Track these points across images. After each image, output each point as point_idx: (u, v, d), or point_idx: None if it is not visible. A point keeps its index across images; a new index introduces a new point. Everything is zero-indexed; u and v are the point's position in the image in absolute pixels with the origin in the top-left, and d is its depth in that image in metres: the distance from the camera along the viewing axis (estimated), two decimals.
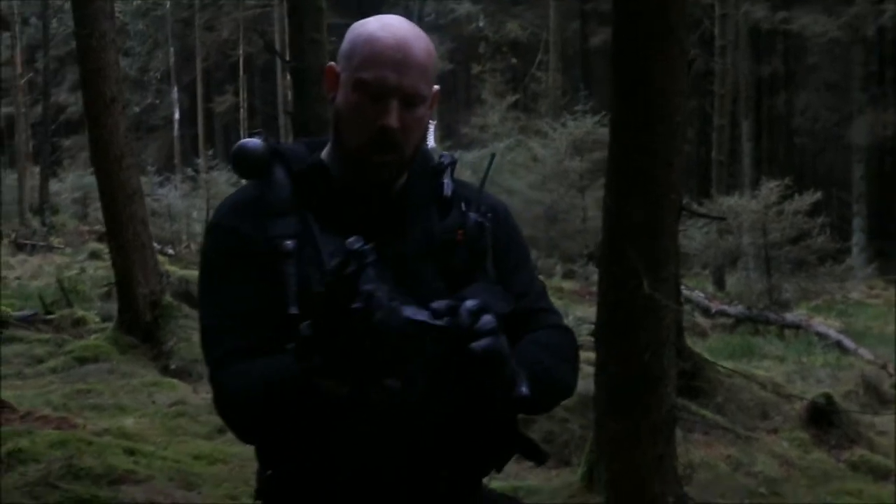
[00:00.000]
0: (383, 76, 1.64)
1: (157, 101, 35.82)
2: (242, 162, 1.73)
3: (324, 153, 1.76)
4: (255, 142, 1.75)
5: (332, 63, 1.74)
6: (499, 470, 1.77)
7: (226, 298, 1.65)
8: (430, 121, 1.79)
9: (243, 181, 1.75)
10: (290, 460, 1.66)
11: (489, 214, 1.71)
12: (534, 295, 1.80)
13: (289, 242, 1.63)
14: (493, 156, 2.08)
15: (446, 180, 1.74)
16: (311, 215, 1.68)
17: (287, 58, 12.51)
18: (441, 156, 1.80)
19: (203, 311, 1.71)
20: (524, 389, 1.57)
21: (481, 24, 33.06)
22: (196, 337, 8.52)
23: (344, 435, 1.60)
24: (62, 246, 19.10)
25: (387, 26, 1.68)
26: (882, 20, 26.58)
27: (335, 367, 1.40)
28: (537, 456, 1.75)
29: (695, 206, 12.39)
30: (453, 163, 1.79)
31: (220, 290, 1.67)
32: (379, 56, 1.65)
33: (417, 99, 1.67)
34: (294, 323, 1.46)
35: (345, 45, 1.71)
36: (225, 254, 1.67)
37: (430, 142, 1.82)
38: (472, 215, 1.68)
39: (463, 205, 1.72)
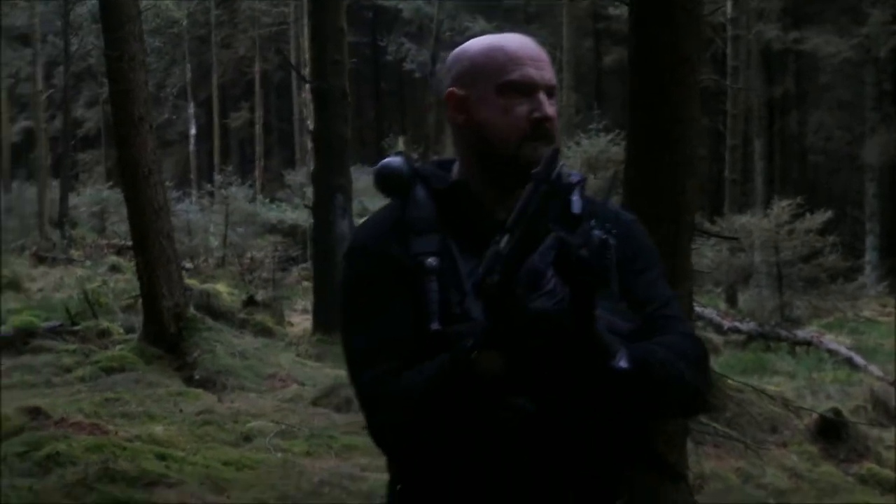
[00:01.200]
0: (528, 73, 1.74)
1: (174, 117, 36.14)
2: (386, 180, 1.76)
3: (455, 173, 1.80)
4: (397, 160, 1.78)
5: (452, 89, 1.78)
6: (628, 493, 1.74)
7: (377, 322, 1.66)
8: None
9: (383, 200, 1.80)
10: (426, 473, 1.67)
11: (613, 231, 1.58)
12: (660, 302, 1.76)
13: (431, 259, 1.66)
14: (614, 172, 2.30)
15: (575, 197, 1.63)
16: (450, 234, 1.70)
17: (307, 77, 12.82)
18: (570, 174, 1.70)
19: (352, 336, 1.71)
20: (623, 363, 1.50)
21: None
22: (220, 349, 8.83)
23: (483, 445, 1.60)
24: (82, 259, 19.37)
25: (499, 36, 1.82)
26: (894, 40, 26.71)
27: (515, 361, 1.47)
28: (670, 473, 1.82)
29: (707, 226, 12.56)
30: (582, 181, 1.69)
31: (370, 314, 1.68)
32: (518, 57, 1.75)
33: (554, 90, 1.78)
34: (435, 339, 1.57)
35: (463, 66, 1.79)
36: (373, 276, 1.69)
37: None
38: (597, 232, 1.56)
39: (591, 222, 1.60)
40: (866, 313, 18.01)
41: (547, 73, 1.76)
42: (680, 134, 4.58)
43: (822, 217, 15.09)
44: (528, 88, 1.74)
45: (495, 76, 1.74)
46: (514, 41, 1.78)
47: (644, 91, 4.70)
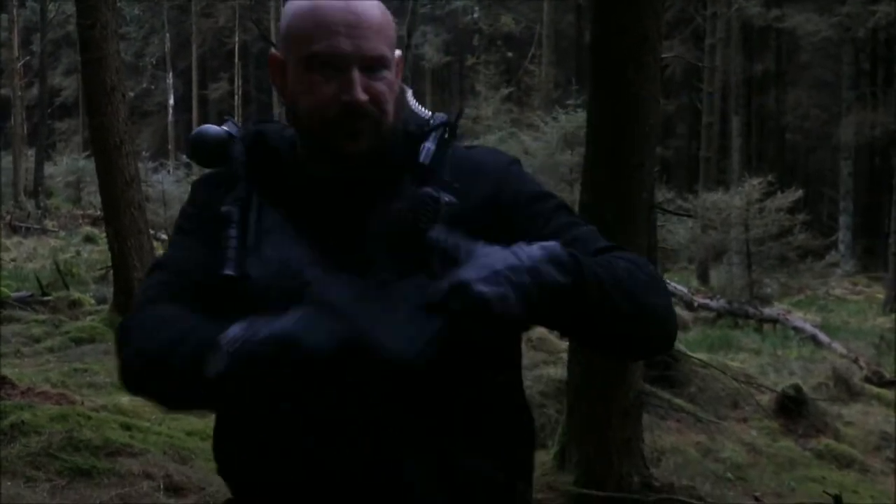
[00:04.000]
0: (336, 44, 1.44)
1: (152, 87, 35.96)
2: (196, 152, 1.60)
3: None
4: (213, 129, 1.60)
5: (274, 51, 1.54)
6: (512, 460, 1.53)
7: (171, 255, 1.57)
8: (406, 87, 1.61)
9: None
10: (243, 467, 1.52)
11: (455, 184, 1.46)
12: (579, 240, 1.47)
13: (228, 208, 1.51)
14: (460, 108, 1.88)
15: (427, 144, 1.51)
16: (256, 187, 1.54)
17: None
18: (434, 116, 1.56)
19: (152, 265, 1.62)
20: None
21: (476, 16, 33.24)
22: None
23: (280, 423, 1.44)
24: (56, 229, 19.31)
25: None
26: (874, 20, 26.85)
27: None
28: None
29: (667, 205, 12.64)
30: (444, 125, 1.54)
31: (171, 247, 1.61)
32: (327, 23, 1.45)
33: (381, 62, 1.47)
34: (227, 285, 1.45)
35: (283, 25, 1.52)
36: (184, 216, 1.60)
37: (417, 106, 1.59)
38: (427, 189, 1.44)
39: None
40: (838, 291, 18.23)
41: (368, 43, 1.45)
42: (638, 111, 4.65)
43: (792, 195, 15.21)
44: (337, 63, 1.44)
45: (302, 46, 1.47)
46: (332, 3, 1.47)
47: (605, 69, 4.76)
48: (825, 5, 27.81)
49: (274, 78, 1.53)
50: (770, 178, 15.36)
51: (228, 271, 1.47)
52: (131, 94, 34.80)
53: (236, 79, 34.84)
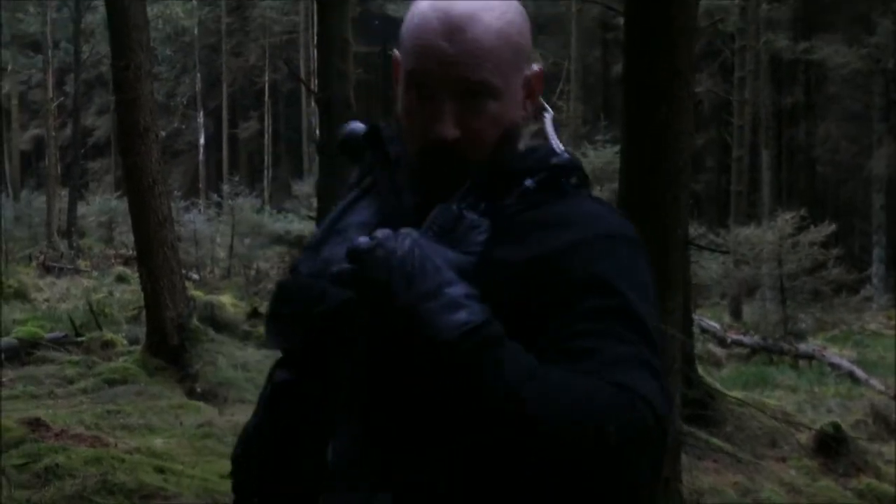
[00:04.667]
0: (427, 67, 1.27)
1: (183, 126, 36.33)
2: (342, 145, 1.50)
3: None
4: (358, 125, 1.48)
5: (396, 52, 1.38)
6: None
7: None
8: (545, 112, 1.40)
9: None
10: None
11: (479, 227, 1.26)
12: (593, 356, 1.16)
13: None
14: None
15: (528, 183, 1.30)
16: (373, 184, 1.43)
17: (313, 87, 12.87)
18: (559, 157, 1.34)
19: None
20: (463, 316, 1.13)
21: None
22: (222, 361, 8.87)
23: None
24: (89, 269, 19.46)
25: None
26: None
27: None
28: None
29: (699, 240, 12.56)
30: (562, 169, 1.32)
31: None
32: (423, 39, 1.27)
33: (485, 91, 1.26)
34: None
35: (403, 27, 1.36)
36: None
37: (554, 141, 1.37)
38: (452, 205, 1.27)
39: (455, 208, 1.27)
40: (872, 326, 17.98)
41: (460, 69, 1.25)
42: (671, 146, 4.62)
43: (826, 230, 15.09)
44: (425, 89, 1.28)
45: (404, 58, 1.33)
46: (438, 13, 1.27)
47: (637, 104, 4.75)
48: (854, 36, 27.71)
49: (395, 80, 1.39)
50: (802, 212, 15.26)
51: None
52: (163, 133, 35.22)
53: (266, 117, 35.15)
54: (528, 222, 1.27)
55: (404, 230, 1.21)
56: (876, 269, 26.24)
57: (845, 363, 11.75)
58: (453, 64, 1.25)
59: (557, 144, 1.37)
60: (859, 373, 11.15)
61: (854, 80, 29.68)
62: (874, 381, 10.71)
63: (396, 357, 1.20)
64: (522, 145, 1.36)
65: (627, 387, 1.12)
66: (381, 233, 1.20)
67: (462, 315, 1.14)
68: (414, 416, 1.22)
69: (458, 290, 1.16)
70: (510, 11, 1.30)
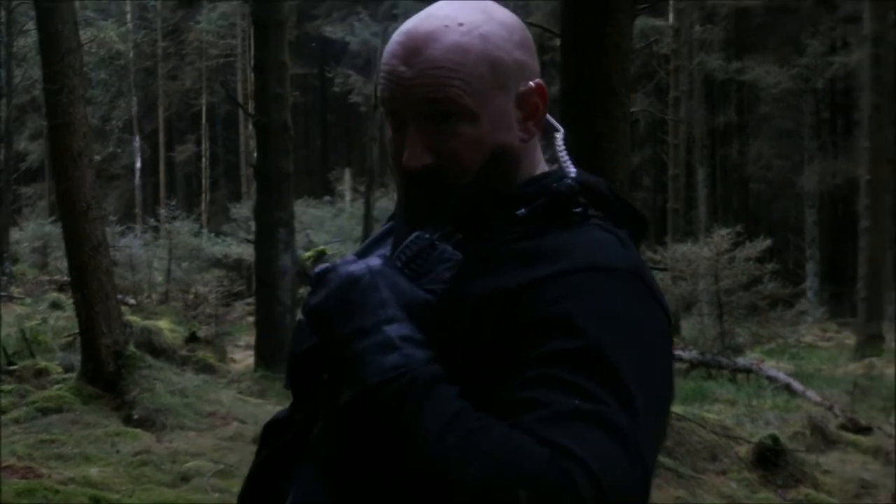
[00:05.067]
0: (392, 93, 1.19)
1: (119, 150, 35.83)
2: None
3: None
4: None
5: None
6: None
7: None
8: (555, 132, 1.27)
9: None
10: None
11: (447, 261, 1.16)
12: (534, 407, 1.01)
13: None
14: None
15: (522, 211, 1.18)
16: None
17: (251, 111, 12.79)
18: (562, 181, 1.20)
19: None
20: (392, 359, 1.05)
21: None
22: (159, 387, 8.72)
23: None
24: (22, 296, 19.05)
25: (413, 19, 1.22)
26: (832, 71, 27.39)
27: None
28: None
29: (648, 255, 12.70)
30: (559, 195, 1.17)
31: None
32: (386, 65, 1.19)
33: (450, 112, 1.16)
34: None
35: None
36: None
37: (567, 163, 1.24)
38: (424, 233, 1.17)
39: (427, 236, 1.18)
40: (808, 338, 18.31)
41: (421, 91, 1.16)
42: (608, 165, 4.67)
43: (761, 245, 15.35)
44: (395, 116, 1.20)
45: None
46: (400, 34, 1.20)
47: (574, 123, 4.79)
48: (784, 57, 28.35)
49: None
50: (738, 228, 15.52)
51: None
52: (98, 157, 34.69)
53: (203, 141, 34.83)
54: (512, 254, 1.14)
55: (370, 258, 1.15)
56: (810, 283, 26.77)
57: (782, 376, 11.93)
58: (413, 87, 1.16)
59: (570, 167, 1.23)
60: (796, 385, 11.33)
61: (785, 100, 30.34)
62: (811, 393, 10.88)
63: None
64: (538, 171, 1.24)
65: (563, 448, 0.97)
66: (344, 258, 1.17)
67: (392, 358, 1.05)
68: (361, 455, 1.10)
69: (397, 329, 1.07)
70: (486, 25, 1.18)
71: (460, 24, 1.17)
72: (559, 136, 1.28)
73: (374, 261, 1.14)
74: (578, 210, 1.17)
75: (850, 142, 29.07)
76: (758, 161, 30.85)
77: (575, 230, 1.15)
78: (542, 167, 1.26)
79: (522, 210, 1.17)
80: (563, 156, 1.25)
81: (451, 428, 1.01)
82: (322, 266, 1.16)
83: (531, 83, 1.20)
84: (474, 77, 1.16)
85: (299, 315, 1.28)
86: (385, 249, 1.27)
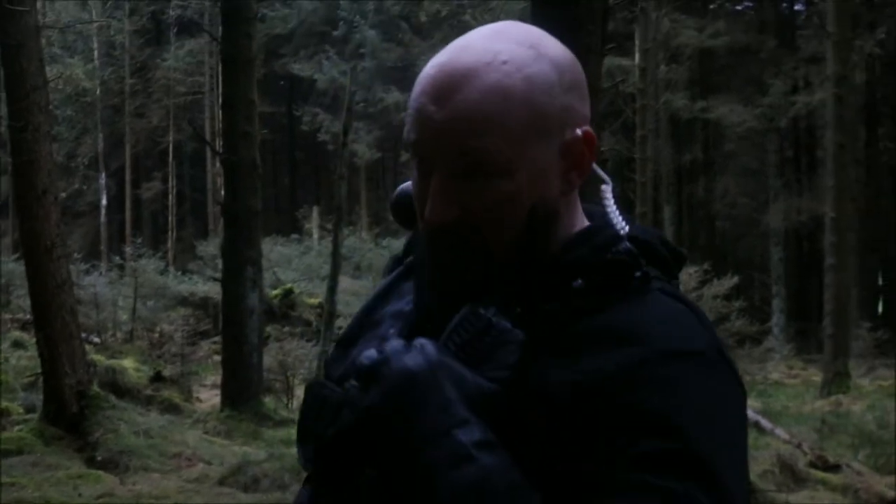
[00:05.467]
0: (418, 136, 1.04)
1: (85, 188, 35.57)
2: (395, 210, 1.23)
3: None
4: (408, 184, 1.21)
5: None
6: None
7: None
8: (603, 184, 1.16)
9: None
10: None
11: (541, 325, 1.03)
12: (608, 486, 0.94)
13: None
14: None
15: (578, 283, 1.06)
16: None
17: (219, 148, 12.76)
18: (619, 245, 1.07)
19: None
20: (470, 474, 0.93)
21: None
22: (124, 428, 8.57)
23: None
24: None
25: (449, 49, 1.07)
26: (794, 110, 27.80)
27: None
28: None
29: None
30: (617, 266, 1.06)
31: None
32: (414, 102, 1.05)
33: (482, 164, 1.02)
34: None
35: None
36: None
37: (616, 219, 1.13)
38: (477, 307, 1.03)
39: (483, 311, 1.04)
40: (774, 376, 18.39)
41: (450, 139, 1.02)
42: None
43: (729, 282, 15.44)
44: (421, 161, 1.07)
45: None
46: (430, 71, 1.05)
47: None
48: (748, 97, 28.75)
49: None
50: (706, 266, 15.61)
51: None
52: (63, 194, 34.38)
53: (170, 178, 34.65)
54: (579, 336, 1.01)
55: (419, 342, 1.00)
56: (776, 320, 26.95)
57: (751, 413, 11.92)
58: (443, 132, 1.02)
59: (620, 224, 1.11)
60: (765, 423, 11.33)
61: (749, 138, 30.72)
62: (779, 431, 10.89)
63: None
64: (576, 227, 1.12)
65: None
66: (390, 345, 1.00)
67: (469, 473, 0.93)
68: None
69: (469, 434, 0.95)
70: (534, 64, 1.04)
71: (504, 63, 1.02)
72: (608, 188, 1.16)
73: (430, 348, 0.99)
74: (639, 275, 1.06)
75: (814, 180, 29.44)
76: (723, 198, 31.15)
77: (640, 299, 1.04)
78: (582, 220, 1.14)
79: (579, 281, 1.04)
80: (613, 210, 1.14)
81: None
82: (370, 356, 1.00)
83: (578, 131, 1.07)
84: (515, 126, 1.02)
85: (305, 377, 1.17)
86: (398, 304, 1.18)
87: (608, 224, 1.11)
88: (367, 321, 1.20)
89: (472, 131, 1.00)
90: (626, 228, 1.11)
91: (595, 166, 1.13)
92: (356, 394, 0.99)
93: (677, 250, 1.17)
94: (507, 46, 1.04)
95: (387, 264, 1.28)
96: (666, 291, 1.07)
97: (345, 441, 1.02)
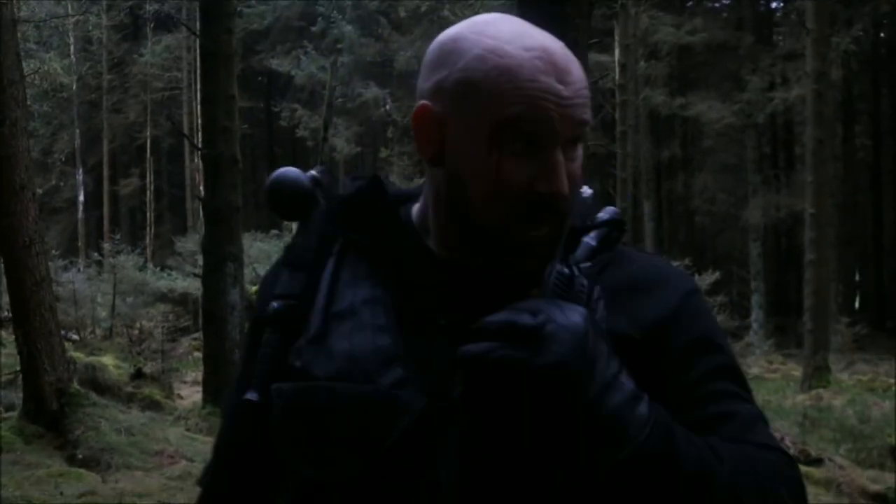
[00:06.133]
0: (544, 113, 1.08)
1: (62, 184, 35.30)
2: (276, 199, 1.26)
3: (414, 214, 1.23)
4: (293, 171, 1.26)
5: (426, 102, 1.14)
6: None
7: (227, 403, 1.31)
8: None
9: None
10: None
11: (596, 288, 1.11)
12: (731, 419, 1.14)
13: (275, 303, 1.21)
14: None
15: (588, 240, 1.17)
16: (338, 259, 1.22)
17: (198, 144, 12.66)
18: (611, 209, 1.22)
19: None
20: (644, 409, 1.04)
21: (389, 108, 33.59)
22: (104, 425, 8.49)
23: None
24: None
25: (519, 35, 1.11)
26: (772, 106, 27.94)
27: None
28: None
29: None
30: (614, 222, 1.20)
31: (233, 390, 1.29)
32: (535, 82, 1.08)
33: (582, 134, 1.12)
34: (248, 413, 1.17)
35: (450, 72, 1.12)
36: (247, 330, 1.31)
37: (584, 188, 1.22)
38: (561, 267, 1.10)
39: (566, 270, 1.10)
40: (755, 370, 18.47)
41: (578, 110, 1.09)
42: None
43: (710, 278, 15.49)
44: (538, 137, 1.09)
45: (487, 107, 1.09)
46: (538, 52, 1.09)
47: None
48: (726, 93, 28.86)
49: (421, 135, 1.15)
50: (687, 261, 15.65)
51: (250, 396, 1.18)
52: (40, 191, 34.08)
53: (148, 174, 34.43)
54: (615, 288, 1.15)
55: (560, 302, 1.06)
56: (755, 316, 27.09)
57: None
58: (569, 107, 1.09)
59: (585, 189, 1.22)
60: None
61: (728, 134, 30.85)
62: None
63: (509, 466, 1.09)
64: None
65: (772, 447, 1.15)
66: (540, 305, 1.04)
67: (643, 408, 1.05)
68: None
69: (629, 378, 1.07)
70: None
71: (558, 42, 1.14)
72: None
73: (578, 307, 1.06)
74: (616, 235, 1.23)
75: (792, 176, 29.61)
76: (702, 194, 31.28)
77: (629, 256, 1.23)
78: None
79: (589, 239, 1.18)
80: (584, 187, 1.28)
81: (718, 460, 1.07)
82: (525, 318, 1.02)
83: None
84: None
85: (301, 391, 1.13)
86: (363, 292, 1.17)
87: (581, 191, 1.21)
88: (331, 316, 1.18)
89: (586, 104, 1.12)
90: (589, 192, 1.24)
91: None
92: (522, 354, 1.00)
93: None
94: (543, 31, 1.16)
95: (291, 255, 1.24)
96: (638, 250, 1.30)
97: (413, 435, 1.08)
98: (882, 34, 33.43)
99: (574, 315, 1.03)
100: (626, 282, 1.17)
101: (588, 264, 1.14)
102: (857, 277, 33.61)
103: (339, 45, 32.46)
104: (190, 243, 24.90)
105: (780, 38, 30.37)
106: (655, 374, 1.12)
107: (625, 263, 1.20)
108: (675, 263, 10.90)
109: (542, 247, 1.11)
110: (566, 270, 1.09)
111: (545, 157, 1.09)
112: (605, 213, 1.20)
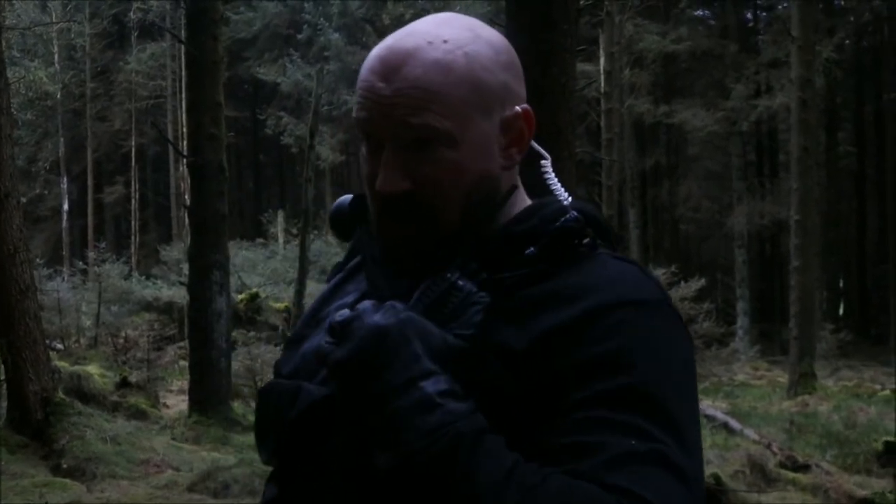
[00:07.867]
0: (367, 113, 1.10)
1: (46, 192, 35.10)
2: (332, 223, 1.31)
3: None
4: (347, 198, 1.29)
5: None
6: None
7: None
8: (544, 159, 1.23)
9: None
10: None
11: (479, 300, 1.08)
12: (596, 451, 0.98)
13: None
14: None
15: (532, 250, 1.12)
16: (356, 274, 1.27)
17: (184, 151, 12.62)
18: (568, 215, 1.13)
19: None
20: (434, 419, 0.99)
21: None
22: (90, 434, 8.43)
23: None
24: None
25: (394, 35, 1.14)
26: (756, 114, 28.07)
27: None
28: None
29: None
30: (572, 231, 1.12)
31: None
32: (362, 81, 1.11)
33: (430, 136, 1.08)
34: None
35: None
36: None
37: (560, 192, 1.20)
38: (454, 274, 1.09)
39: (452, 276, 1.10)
40: (740, 377, 18.53)
41: (404, 110, 1.07)
42: None
43: (696, 285, 15.52)
44: (370, 138, 1.12)
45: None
46: (376, 51, 1.12)
47: (520, 164, 4.76)
48: (710, 101, 28.98)
49: None
50: (673, 268, 15.69)
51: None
52: (24, 199, 33.87)
53: (133, 182, 34.31)
54: (532, 299, 1.07)
55: (391, 303, 1.05)
56: (741, 322, 27.17)
57: (720, 415, 12.00)
58: (391, 106, 1.08)
59: (564, 195, 1.19)
60: (734, 423, 11.40)
61: (712, 142, 30.99)
62: (748, 431, 10.96)
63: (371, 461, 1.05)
64: (518, 200, 1.18)
65: (630, 493, 0.95)
66: (362, 304, 1.06)
67: (434, 418, 0.98)
68: None
69: (434, 384, 1.00)
70: (472, 44, 1.11)
71: (444, 42, 1.09)
72: (547, 163, 1.24)
73: (400, 307, 1.05)
74: (587, 242, 1.13)
75: (776, 183, 29.74)
76: (687, 202, 31.38)
77: (585, 265, 1.11)
78: (523, 195, 1.20)
79: (532, 249, 1.11)
80: (555, 184, 1.22)
81: (509, 484, 0.96)
82: (343, 314, 1.06)
83: (517, 108, 1.15)
84: (456, 99, 1.09)
85: (262, 376, 1.19)
86: (345, 301, 1.22)
87: (554, 197, 1.18)
88: (312, 321, 1.25)
89: (417, 104, 1.07)
90: (570, 200, 1.19)
91: (533, 143, 1.20)
92: (330, 349, 1.04)
93: (612, 228, 1.24)
94: (447, 30, 1.12)
95: (331, 271, 1.33)
96: (613, 256, 1.15)
97: (309, 416, 1.11)
98: (864, 42, 33.66)
99: (384, 315, 1.03)
100: (551, 292, 1.08)
101: (523, 271, 1.09)
102: (841, 284, 33.77)
103: (325, 53, 32.46)
104: (175, 252, 24.80)
105: (764, 45, 30.52)
106: (539, 390, 1.03)
107: (575, 273, 1.09)
108: (661, 271, 10.97)
109: (414, 245, 1.11)
110: (447, 276, 1.08)
111: (375, 159, 1.11)
112: (564, 220, 1.12)
